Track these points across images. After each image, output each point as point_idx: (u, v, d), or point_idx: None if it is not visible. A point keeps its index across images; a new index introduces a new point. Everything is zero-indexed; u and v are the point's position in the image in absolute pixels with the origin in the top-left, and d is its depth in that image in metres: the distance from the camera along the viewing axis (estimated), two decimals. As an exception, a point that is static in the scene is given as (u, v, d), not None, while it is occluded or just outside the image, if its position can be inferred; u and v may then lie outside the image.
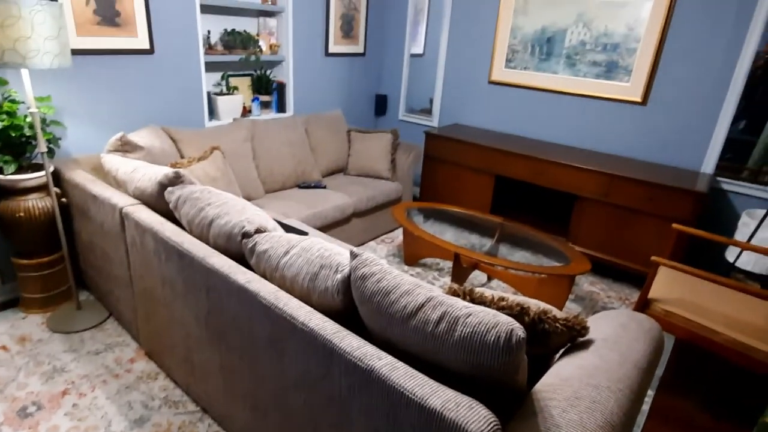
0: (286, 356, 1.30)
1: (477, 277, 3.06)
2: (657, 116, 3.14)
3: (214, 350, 1.60)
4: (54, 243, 2.34)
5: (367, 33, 4.16)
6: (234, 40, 3.17)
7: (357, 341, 1.17)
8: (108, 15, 2.49)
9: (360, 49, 4.14)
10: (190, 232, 1.75)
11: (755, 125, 2.92)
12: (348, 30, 3.95)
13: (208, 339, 1.60)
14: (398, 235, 3.60)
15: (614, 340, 1.36)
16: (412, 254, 3.09)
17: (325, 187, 3.26)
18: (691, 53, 2.93)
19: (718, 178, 2.99)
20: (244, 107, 3.40)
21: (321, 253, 1.42)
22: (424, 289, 1.20)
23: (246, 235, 1.57)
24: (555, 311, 1.35)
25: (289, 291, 1.42)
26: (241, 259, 1.61)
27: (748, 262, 2.59)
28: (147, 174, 1.92)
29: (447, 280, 2.99)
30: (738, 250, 2.62)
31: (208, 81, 3.18)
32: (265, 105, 3.58)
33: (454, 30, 3.92)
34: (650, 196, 2.80)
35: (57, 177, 2.32)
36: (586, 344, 1.36)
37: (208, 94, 3.15)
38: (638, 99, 3.15)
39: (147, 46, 2.68)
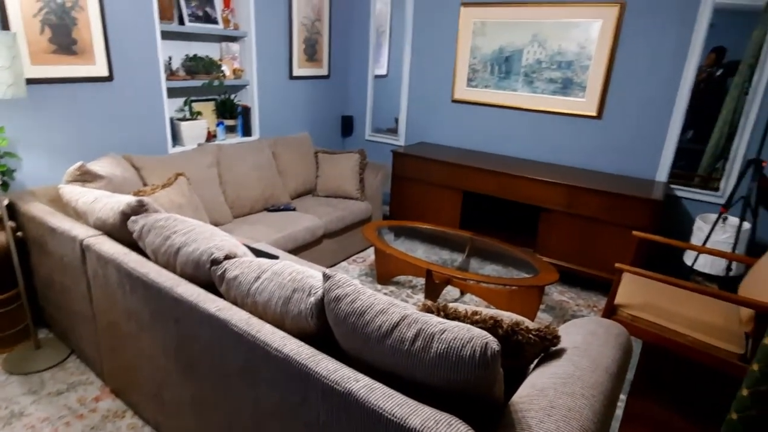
0: (261, 384, 1.27)
1: (450, 292, 3.08)
2: (612, 129, 3.29)
3: (184, 383, 1.54)
4: (9, 280, 2.22)
5: (330, 55, 4.21)
6: (196, 66, 3.15)
7: (333, 364, 1.16)
8: (64, 43, 2.43)
9: (324, 71, 4.18)
10: (156, 262, 1.70)
11: (702, 134, 3.10)
12: (312, 53, 3.99)
13: (178, 372, 1.55)
14: (370, 255, 3.60)
15: (585, 348, 1.39)
16: (385, 273, 3.09)
17: (294, 210, 3.24)
18: (640, 69, 3.11)
19: (672, 186, 3.15)
20: (209, 132, 3.36)
21: (293, 277, 1.40)
22: (398, 308, 1.20)
23: (215, 261, 1.54)
24: (527, 322, 1.38)
25: (262, 317, 1.40)
26: (211, 287, 1.57)
27: (705, 264, 2.72)
28: (108, 204, 1.87)
29: (420, 297, 3.00)
30: (695, 253, 2.75)
31: (171, 107, 3.14)
32: (230, 129, 3.55)
33: (416, 51, 4.02)
34: (610, 206, 2.92)
35: (12, 210, 2.22)
36: (559, 353, 1.39)
37: (171, 120, 3.10)
38: (594, 113, 3.30)
39: (106, 73, 2.63)
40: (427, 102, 4.08)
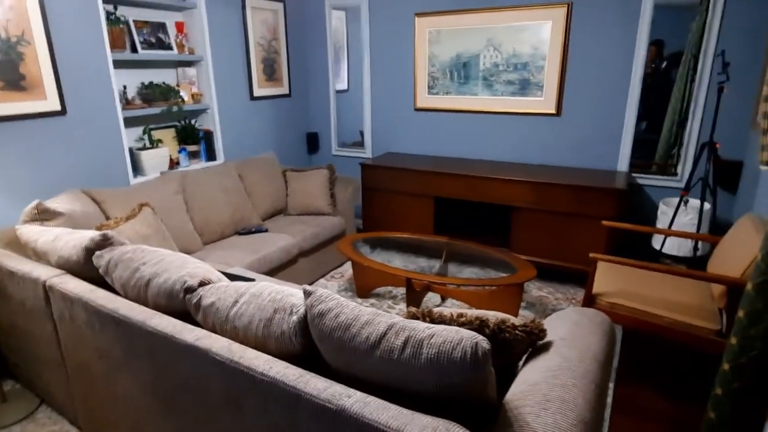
0: (248, 413, 1.22)
1: (431, 299, 3.07)
2: (572, 125, 3.38)
3: (165, 420, 1.47)
4: (-35, 332, 2.08)
5: (290, 74, 4.20)
6: (153, 93, 3.08)
7: (323, 382, 1.13)
8: (11, 79, 2.33)
9: (285, 90, 4.16)
10: (126, 296, 1.62)
11: (655, 125, 3.24)
12: (271, 73, 3.97)
13: (158, 409, 1.47)
14: (347, 269, 3.56)
15: (571, 338, 1.40)
16: (364, 286, 3.06)
17: (266, 231, 3.18)
18: (592, 65, 3.22)
19: (633, 175, 3.25)
20: (171, 159, 3.28)
21: (273, 297, 1.36)
22: (384, 317, 1.18)
23: (189, 290, 1.49)
24: (512, 319, 1.38)
25: (243, 342, 1.35)
26: (187, 316, 1.51)
27: (672, 247, 2.81)
28: (71, 241, 1.78)
29: (402, 306, 2.98)
30: (662, 237, 2.84)
31: (130, 136, 3.05)
32: (193, 155, 3.47)
33: (375, 64, 4.06)
34: (577, 199, 2.99)
35: (-37, 258, 2.09)
36: (546, 347, 1.39)
37: (130, 150, 3.01)
38: (553, 111, 3.39)
39: (58, 107, 2.53)
40: (390, 113, 4.11)
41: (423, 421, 1.00)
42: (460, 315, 1.38)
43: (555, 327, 1.50)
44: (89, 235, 1.73)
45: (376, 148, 4.28)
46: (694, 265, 2.76)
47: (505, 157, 3.70)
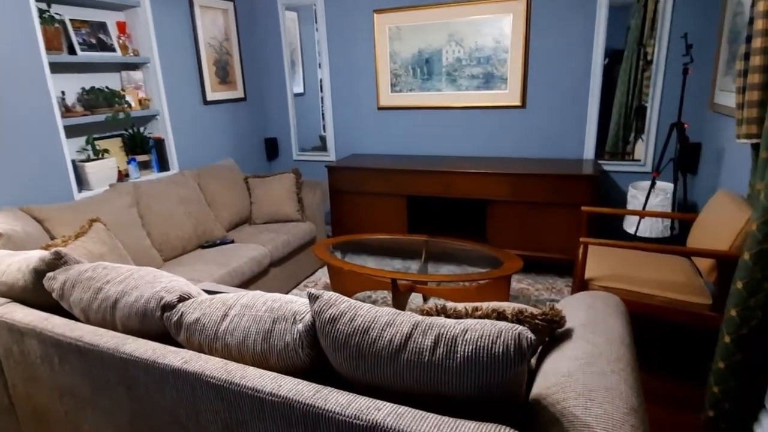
0: (255, 441, 1.05)
1: (413, 300, 2.96)
2: (537, 116, 3.41)
3: (149, 461, 1.26)
4: None
5: (244, 77, 3.99)
6: (96, 99, 2.79)
7: (344, 396, 0.98)
8: (-77, 84, 2.01)
9: (240, 93, 3.95)
10: (88, 322, 1.40)
11: (602, 117, 3.31)
12: (224, 75, 3.74)
13: (139, 449, 1.26)
14: (321, 276, 3.39)
15: (592, 323, 1.33)
16: (343, 291, 2.91)
17: (232, 242, 2.96)
18: (554, 56, 3.26)
19: (599, 162, 3.31)
20: (120, 171, 2.99)
21: (269, 306, 1.20)
22: (405, 316, 1.06)
23: (167, 307, 1.29)
24: (530, 309, 1.29)
25: (239, 360, 1.18)
26: (165, 338, 1.31)
27: (645, 229, 2.86)
28: (14, 263, 1.53)
29: (372, 305, 2.84)
30: (636, 221, 2.88)
31: (72, 147, 2.74)
32: (144, 165, 3.19)
33: (334, 64, 3.93)
34: (551, 188, 2.99)
35: None
36: (567, 334, 1.31)
37: (73, 162, 2.71)
38: (518, 103, 3.40)
39: (-16, 115, 2.22)
40: (353, 113, 3.99)
41: (469, 427, 0.88)
42: (476, 309, 1.28)
43: (569, 313, 1.43)
44: (37, 255, 1.49)
45: (340, 150, 4.14)
46: (671, 244, 2.82)
47: (474, 151, 3.67)
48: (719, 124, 2.66)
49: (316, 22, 3.94)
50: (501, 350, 0.92)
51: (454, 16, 3.39)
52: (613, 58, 3.29)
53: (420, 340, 0.99)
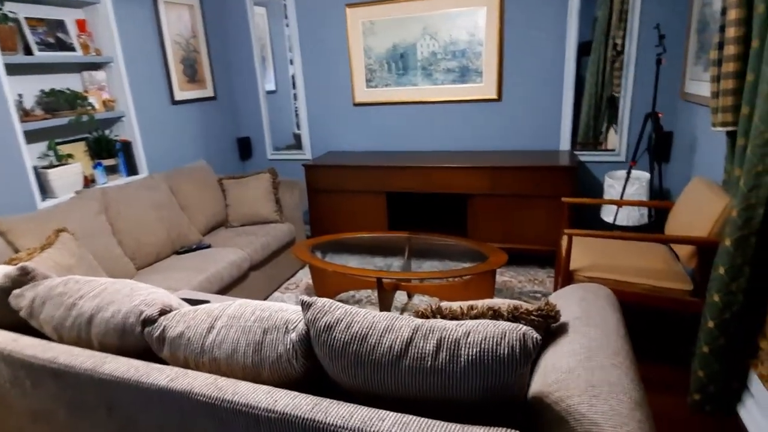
0: (251, 459, 1.00)
1: (397, 297, 2.93)
2: (513, 108, 3.42)
3: (135, 486, 1.19)
4: None
5: (214, 75, 3.86)
6: (56, 101, 2.64)
7: (345, 408, 0.94)
8: None
9: (210, 92, 3.82)
10: (62, 341, 1.31)
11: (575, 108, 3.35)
12: (192, 74, 3.61)
13: (124, 473, 1.19)
14: (302, 278, 3.32)
15: (586, 316, 1.32)
16: (326, 293, 2.85)
17: (209, 246, 2.86)
18: (528, 49, 3.27)
19: (575, 152, 3.35)
20: (86, 177, 2.85)
21: (258, 315, 1.15)
22: (404, 321, 1.02)
23: (148, 321, 1.22)
24: (524, 305, 1.28)
25: (228, 375, 1.12)
26: (147, 354, 1.24)
27: (623, 218, 2.91)
28: (-26, 281, 1.41)
29: (369, 310, 2.81)
30: (614, 211, 2.93)
31: (32, 153, 2.59)
32: (111, 170, 3.05)
33: (307, 60, 3.84)
34: (530, 180, 3.00)
35: None
36: (562, 329, 1.30)
37: (35, 169, 2.56)
38: (494, 96, 3.40)
39: (-67, 122, 2.06)
40: (328, 110, 3.92)
41: (478, 434, 0.85)
42: (471, 307, 1.26)
43: (563, 307, 1.42)
44: (1, 271, 1.38)
45: (316, 148, 4.06)
46: (648, 232, 2.88)
47: (452, 146, 3.66)
48: (690, 113, 2.72)
49: (286, 17, 3.85)
50: (506, 352, 0.90)
51: (428, 10, 3.36)
52: (580, 49, 3.33)
53: (421, 344, 0.95)
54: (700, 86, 2.50)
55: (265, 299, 3.01)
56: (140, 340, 1.22)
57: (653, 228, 2.86)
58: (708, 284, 1.81)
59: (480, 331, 0.94)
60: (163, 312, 1.25)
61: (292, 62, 4.38)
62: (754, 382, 1.77)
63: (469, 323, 0.98)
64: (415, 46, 3.47)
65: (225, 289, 2.62)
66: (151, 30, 3.24)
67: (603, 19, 3.19)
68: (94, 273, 2.21)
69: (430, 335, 0.96)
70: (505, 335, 0.91)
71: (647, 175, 2.91)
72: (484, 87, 3.41)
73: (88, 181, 2.88)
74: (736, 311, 1.69)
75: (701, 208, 2.05)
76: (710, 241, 1.86)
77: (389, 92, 3.65)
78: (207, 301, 2.04)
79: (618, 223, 2.91)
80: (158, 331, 1.20)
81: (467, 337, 0.94)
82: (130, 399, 1.09)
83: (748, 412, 1.78)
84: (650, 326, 2.46)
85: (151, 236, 2.69)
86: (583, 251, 2.33)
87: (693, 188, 2.23)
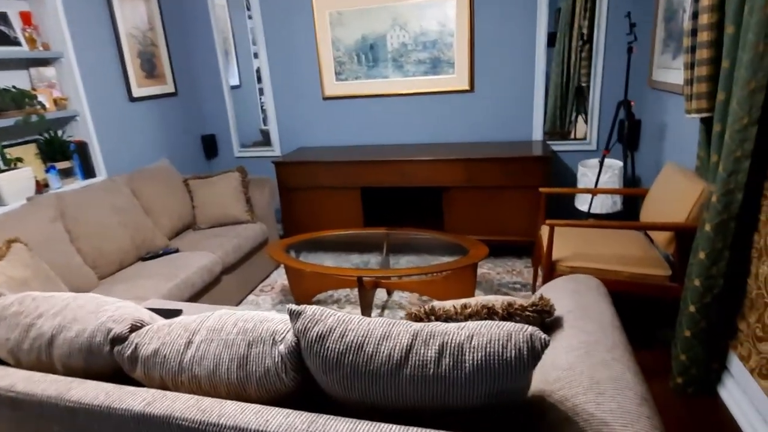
0: (242, 485, 0.92)
1: (376, 295, 2.88)
2: (486, 99, 3.40)
3: None
4: None
5: (174, 70, 3.67)
6: (2, 100, 2.43)
7: (343, 424, 0.87)
8: None
9: (170, 88, 3.63)
10: (19, 365, 1.19)
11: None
12: (151, 69, 3.42)
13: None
14: (277, 279, 3.21)
15: (580, 309, 1.30)
16: (303, 294, 2.76)
17: (177, 251, 2.72)
18: (499, 39, 3.25)
19: (548, 142, 3.37)
20: (38, 182, 2.64)
21: (241, 327, 1.06)
22: (401, 326, 0.96)
23: (117, 339, 1.12)
24: (518, 300, 1.24)
25: (210, 394, 1.03)
26: (117, 375, 1.14)
27: (597, 206, 2.94)
28: None
29: (349, 309, 2.74)
30: (588, 199, 2.96)
31: (-26, 158, 2.38)
32: (66, 173, 2.85)
33: (273, 53, 3.71)
34: (505, 171, 2.99)
35: None
36: (557, 323, 1.28)
37: (-21, 175, 2.35)
38: (467, 87, 3.37)
39: None
40: (297, 105, 3.80)
41: (488, 443, 0.80)
42: (465, 306, 1.22)
43: (555, 300, 1.39)
44: (-57, 290, 1.24)
45: (286, 144, 3.94)
46: (624, 220, 2.93)
47: (426, 138, 3.61)
48: (659, 101, 2.77)
49: (248, 8, 3.69)
50: (513, 354, 0.85)
51: (397, 0, 3.28)
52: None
53: (422, 351, 0.90)
54: (669, 74, 2.54)
55: (239, 303, 2.90)
56: (110, 360, 1.11)
57: (626, 215, 2.91)
58: (688, 269, 1.83)
59: (484, 334, 0.89)
60: (134, 328, 1.15)
61: (256, 56, 4.22)
62: (734, 363, 1.80)
63: (470, 325, 0.93)
64: (385, 37, 3.40)
65: (197, 296, 2.50)
66: (104, 22, 3.03)
67: (567, 9, 3.21)
68: (53, 285, 2.05)
69: (431, 341, 0.91)
70: (511, 337, 0.87)
71: (619, 163, 2.95)
72: (456, 78, 3.37)
73: (41, 187, 2.68)
74: (717, 294, 1.71)
75: (676, 194, 2.07)
76: (689, 226, 1.88)
77: (360, 85, 3.56)
78: (179, 310, 1.93)
79: (593, 211, 2.94)
80: (130, 350, 1.09)
81: (471, 340, 0.89)
82: (101, 427, 0.99)
83: (728, 391, 1.82)
84: (628, 312, 2.49)
85: (113, 243, 2.53)
86: (562, 241, 2.33)
87: (666, 175, 2.26)
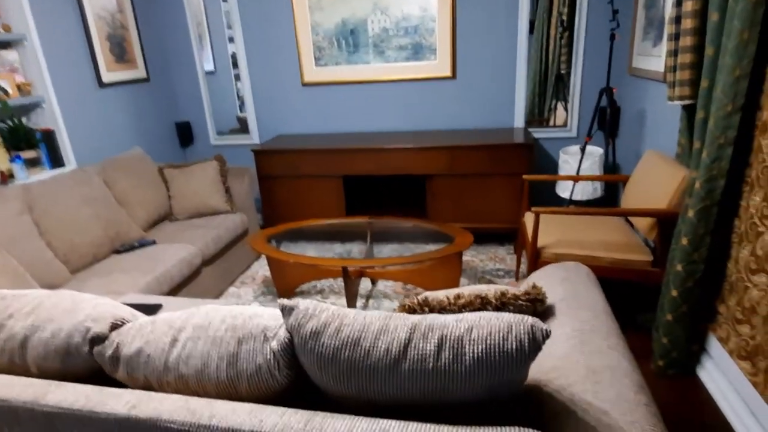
0: (235, 487, 0.89)
1: (360, 284, 2.85)
2: (468, 86, 3.37)
3: None
4: None
5: (145, 54, 3.52)
6: (-42, 85, 2.28)
7: (341, 422, 0.85)
8: None
9: (142, 73, 3.48)
10: (-11, 368, 1.11)
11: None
12: (121, 53, 3.26)
13: None
14: (258, 270, 3.15)
15: (572, 297, 1.30)
16: (286, 285, 2.72)
17: (154, 243, 2.63)
18: (481, 25, 3.22)
19: (529, 129, 3.37)
20: (2, 173, 2.51)
21: (230, 324, 1.02)
22: (398, 320, 0.93)
23: (97, 340, 1.06)
24: (511, 289, 1.24)
25: (200, 393, 0.99)
26: (97, 376, 1.08)
27: (578, 192, 2.97)
28: None
29: (334, 300, 2.71)
30: (570, 186, 2.98)
31: (-69, 148, 2.23)
32: (32, 163, 2.71)
33: (249, 38, 3.59)
34: (488, 159, 2.99)
35: None
36: (550, 311, 1.28)
37: (-63, 165, 2.21)
38: (449, 74, 3.34)
39: None
40: (275, 91, 3.70)
41: (490, 437, 0.79)
42: (458, 297, 1.21)
43: (546, 288, 1.39)
44: None
45: (264, 132, 3.84)
46: (604, 206, 2.96)
47: (408, 125, 3.57)
48: (638, 88, 2.79)
49: (223, -10, 3.55)
50: (514, 346, 0.84)
51: (377, -17, 3.21)
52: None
53: (421, 345, 0.87)
54: (649, 61, 2.56)
55: (219, 296, 2.83)
56: (89, 361, 1.06)
57: (606, 202, 2.95)
58: (670, 254, 1.86)
59: (483, 326, 0.87)
60: (115, 326, 1.09)
61: (231, 40, 4.08)
62: (713, 345, 1.85)
63: (469, 317, 0.91)
64: (366, 21, 3.33)
65: (176, 289, 2.42)
66: (69, 3, 2.87)
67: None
68: (22, 281, 1.95)
69: (430, 334, 0.88)
70: (511, 329, 0.85)
71: (600, 150, 2.98)
72: (438, 64, 3.33)
73: (6, 177, 2.54)
74: (699, 279, 1.75)
75: (658, 180, 2.10)
76: (671, 212, 1.91)
77: (340, 71, 3.49)
78: (159, 305, 1.87)
79: (575, 198, 2.97)
80: (111, 350, 1.04)
81: (470, 333, 0.87)
82: (82, 433, 0.93)
83: (708, 372, 1.87)
84: (610, 298, 2.54)
85: (85, 235, 2.42)
86: (545, 228, 2.34)
87: (647, 161, 2.29)
